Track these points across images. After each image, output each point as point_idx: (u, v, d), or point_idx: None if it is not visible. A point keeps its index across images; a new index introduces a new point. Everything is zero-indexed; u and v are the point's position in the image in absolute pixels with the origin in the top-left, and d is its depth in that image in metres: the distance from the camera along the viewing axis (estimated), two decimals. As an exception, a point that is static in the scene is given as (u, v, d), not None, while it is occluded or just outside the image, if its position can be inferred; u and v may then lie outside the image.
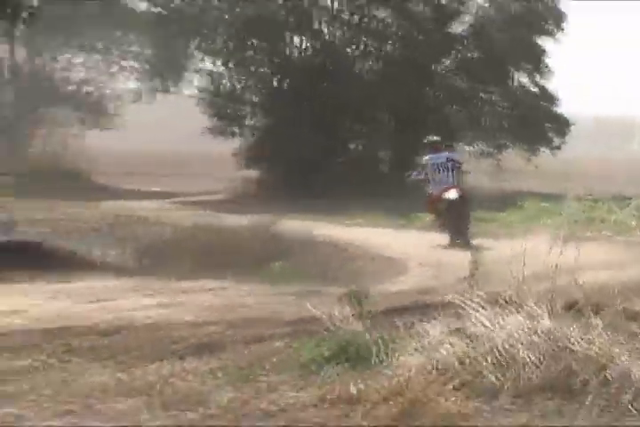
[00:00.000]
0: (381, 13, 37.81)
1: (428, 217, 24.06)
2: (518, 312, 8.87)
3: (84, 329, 10.60)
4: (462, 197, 22.67)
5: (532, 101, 38.43)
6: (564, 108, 38.93)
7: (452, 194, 22.63)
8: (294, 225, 21.83)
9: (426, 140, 27.49)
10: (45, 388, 8.06)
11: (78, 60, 44.46)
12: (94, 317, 11.58)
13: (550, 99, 38.76)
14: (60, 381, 8.32)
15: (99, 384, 8.20)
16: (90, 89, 44.41)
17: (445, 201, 22.51)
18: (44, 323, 10.98)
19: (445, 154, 24.18)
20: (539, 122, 38.21)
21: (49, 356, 9.14)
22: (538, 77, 38.95)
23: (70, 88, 44.21)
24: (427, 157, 24.26)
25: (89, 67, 44.66)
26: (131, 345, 9.72)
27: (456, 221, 22.03)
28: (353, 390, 7.89)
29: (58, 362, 8.96)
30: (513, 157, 37.66)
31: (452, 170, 23.35)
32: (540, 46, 38.91)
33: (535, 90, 39.06)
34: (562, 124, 38.46)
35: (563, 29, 38.70)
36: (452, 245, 21.46)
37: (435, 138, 26.43)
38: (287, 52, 37.95)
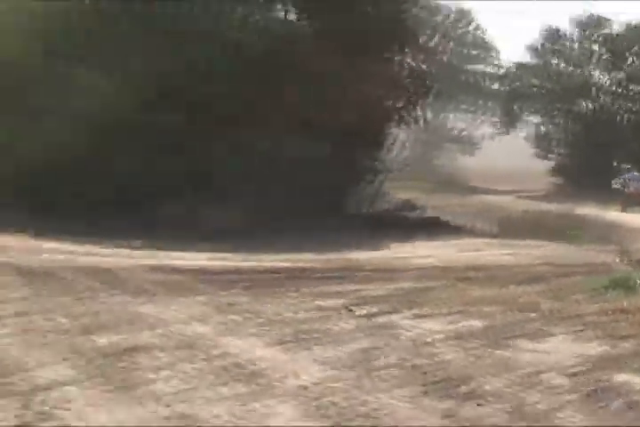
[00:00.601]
0: (636, 87, 36.62)
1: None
2: None
3: (463, 266, 10.56)
4: None
5: None
6: None
7: None
8: (584, 210, 20.86)
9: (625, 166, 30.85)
10: (442, 299, 7.97)
11: (459, 116, 45.29)
12: (468, 259, 11.51)
13: None
14: (449, 295, 8.21)
15: (473, 297, 8.10)
16: (464, 133, 45.16)
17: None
18: (443, 262, 11.02)
19: (633, 173, 27.84)
20: None
21: (446, 281, 9.13)
22: None
23: (453, 132, 45.15)
24: (625, 175, 27.95)
25: (464, 120, 45.48)
26: (491, 275, 9.57)
27: None
28: (620, 306, 7.47)
29: (450, 285, 8.90)
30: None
31: (637, 181, 26.68)
32: None
33: None
34: None
35: None
36: None
37: (629, 166, 29.82)
38: (578, 110, 37.28)
